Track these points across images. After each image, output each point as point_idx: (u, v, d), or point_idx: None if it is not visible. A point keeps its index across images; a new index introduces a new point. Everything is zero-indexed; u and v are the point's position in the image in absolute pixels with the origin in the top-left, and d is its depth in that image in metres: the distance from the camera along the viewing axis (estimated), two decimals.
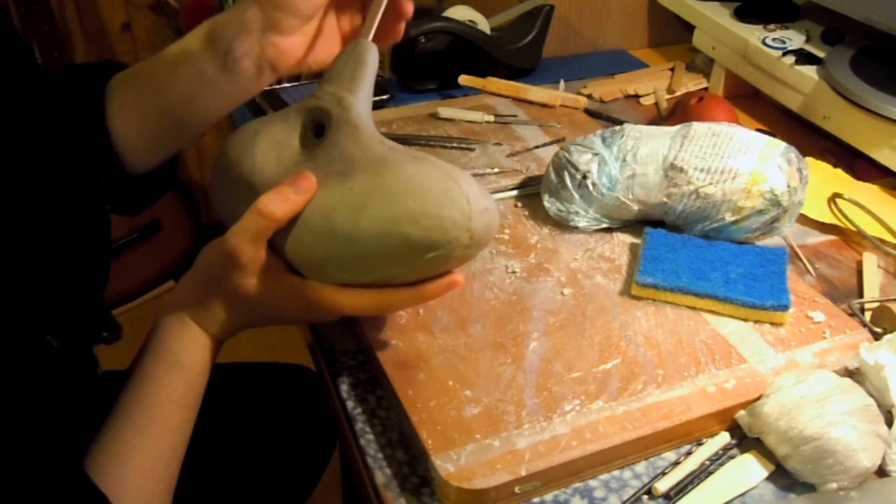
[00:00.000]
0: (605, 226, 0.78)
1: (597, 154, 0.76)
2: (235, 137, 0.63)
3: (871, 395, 0.59)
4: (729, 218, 0.73)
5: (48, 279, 0.53)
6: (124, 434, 0.55)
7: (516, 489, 0.54)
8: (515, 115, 1.00)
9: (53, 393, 0.53)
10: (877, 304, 0.70)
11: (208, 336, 0.60)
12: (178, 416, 0.57)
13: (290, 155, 0.60)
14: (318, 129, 0.60)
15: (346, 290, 0.57)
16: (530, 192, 0.84)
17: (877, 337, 0.66)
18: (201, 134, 0.74)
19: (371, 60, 0.61)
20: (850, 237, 0.82)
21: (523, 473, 0.53)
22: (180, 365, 0.58)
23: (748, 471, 0.57)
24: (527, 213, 0.81)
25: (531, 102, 1.03)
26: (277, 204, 0.54)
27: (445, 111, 0.98)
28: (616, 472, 0.57)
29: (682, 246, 0.73)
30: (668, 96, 1.10)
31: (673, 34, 1.27)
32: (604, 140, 0.77)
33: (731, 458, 0.58)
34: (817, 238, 0.82)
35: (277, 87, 1.05)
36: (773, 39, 0.99)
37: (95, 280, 0.60)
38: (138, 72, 0.68)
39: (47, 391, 0.52)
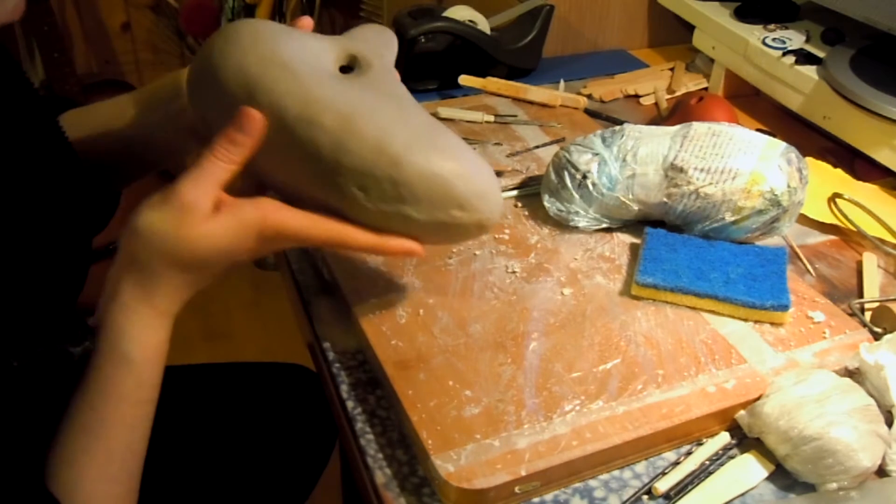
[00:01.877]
0: (605, 226, 0.78)
1: (597, 154, 0.76)
2: (259, 22, 0.59)
3: (871, 395, 0.59)
4: (729, 218, 0.73)
5: (23, 298, 0.53)
6: (72, 437, 0.52)
7: (516, 489, 0.54)
8: (515, 115, 1.00)
9: (15, 409, 0.52)
10: (877, 304, 0.70)
11: (159, 314, 0.55)
12: (128, 414, 0.54)
13: (322, 69, 0.57)
14: (343, 70, 0.60)
15: (307, 214, 0.54)
16: (530, 192, 0.84)
17: (877, 337, 0.66)
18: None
19: (395, 44, 0.64)
20: (850, 237, 0.82)
21: (523, 473, 0.53)
22: (127, 359, 0.53)
23: (748, 471, 0.57)
24: (527, 213, 0.81)
25: (531, 102, 1.03)
26: (233, 151, 0.53)
27: (445, 111, 0.98)
28: (616, 472, 0.57)
29: (682, 246, 0.73)
30: (668, 96, 1.10)
31: (673, 34, 1.27)
32: (604, 140, 0.77)
33: (731, 458, 0.58)
34: (817, 238, 0.82)
35: None
36: (773, 39, 0.99)
37: (70, 294, 0.59)
38: (88, 112, 0.69)
39: (8, 409, 0.51)
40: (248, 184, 0.59)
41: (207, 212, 0.53)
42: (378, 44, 0.62)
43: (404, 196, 0.55)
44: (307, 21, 0.62)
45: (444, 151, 0.56)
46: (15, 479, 0.49)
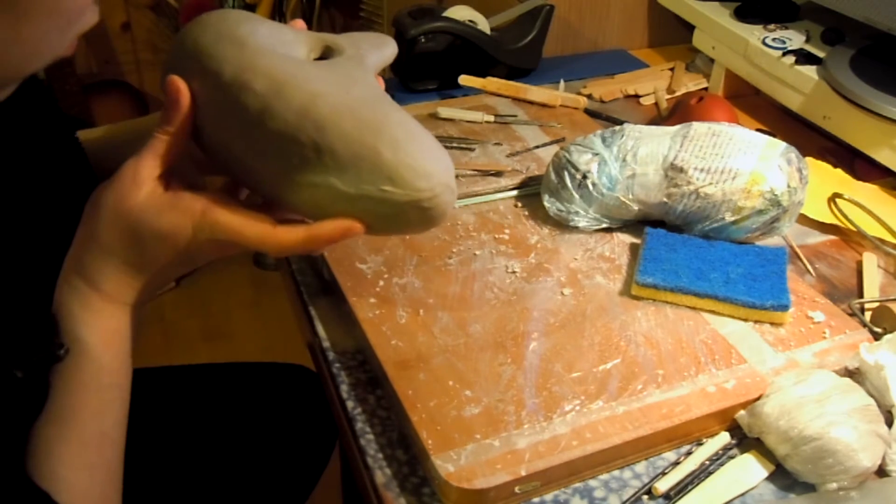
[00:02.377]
0: (605, 226, 0.78)
1: (597, 154, 0.76)
2: (227, 11, 0.58)
3: (871, 395, 0.59)
4: (729, 218, 0.73)
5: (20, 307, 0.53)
6: (46, 427, 0.52)
7: (516, 489, 0.54)
8: (515, 115, 1.00)
9: (12, 412, 0.52)
10: (877, 304, 0.70)
11: (110, 301, 0.54)
12: (94, 399, 0.53)
13: (289, 51, 0.56)
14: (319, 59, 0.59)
15: (245, 213, 0.53)
16: (530, 192, 0.84)
17: (877, 337, 0.66)
18: None
19: (390, 50, 0.62)
20: (850, 237, 0.82)
21: (523, 473, 0.53)
22: (81, 344, 0.52)
23: (748, 471, 0.57)
24: (527, 213, 0.81)
25: (531, 102, 1.03)
26: (166, 120, 0.53)
27: (445, 111, 0.98)
28: (616, 472, 0.57)
29: (682, 246, 0.73)
30: (668, 96, 1.10)
31: (673, 34, 1.27)
32: (604, 140, 0.77)
33: (731, 458, 0.58)
34: (817, 238, 0.82)
35: None
36: (773, 39, 0.99)
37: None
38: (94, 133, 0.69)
39: (8, 416, 0.51)
40: (200, 178, 0.58)
41: (149, 183, 0.52)
42: (362, 40, 0.60)
43: (328, 164, 0.51)
44: (300, 23, 0.61)
45: (377, 118, 0.52)
46: (4, 477, 0.49)
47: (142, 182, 0.52)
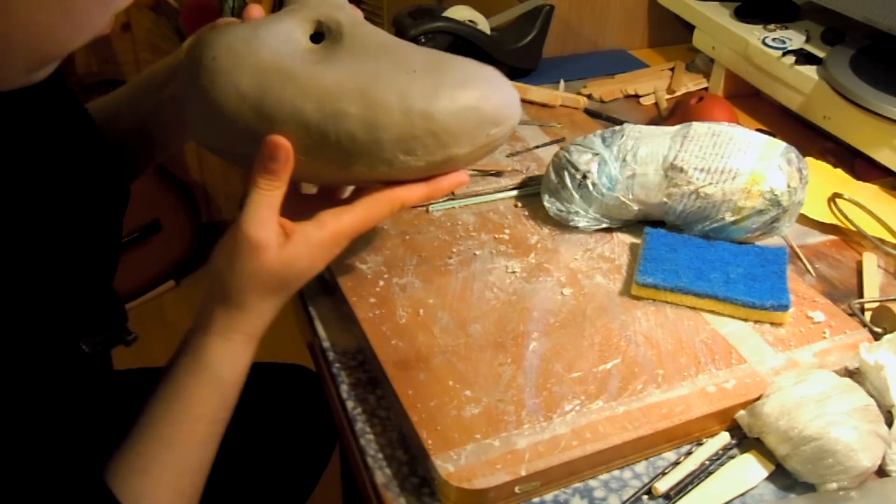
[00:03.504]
0: (605, 226, 0.78)
1: (597, 154, 0.76)
2: (223, 35, 0.56)
3: (871, 395, 0.59)
4: (729, 218, 0.73)
5: (71, 275, 0.53)
6: (149, 447, 0.54)
7: (516, 489, 0.54)
8: None
9: (78, 399, 0.53)
10: (877, 304, 0.70)
11: (250, 339, 0.58)
12: (205, 431, 0.56)
13: (303, 52, 0.57)
14: (314, 39, 0.59)
15: (362, 204, 0.57)
16: (530, 192, 0.84)
17: (877, 337, 0.66)
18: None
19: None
20: (850, 237, 0.82)
21: (523, 473, 0.53)
22: (217, 380, 0.56)
23: (748, 471, 0.57)
24: (527, 213, 0.81)
25: (531, 102, 1.03)
26: (274, 179, 0.54)
27: None
28: (616, 472, 0.57)
29: (682, 246, 0.73)
30: (668, 96, 1.10)
31: (673, 34, 1.26)
32: (604, 140, 0.77)
33: (731, 458, 0.58)
34: (817, 238, 0.82)
35: None
36: (773, 39, 0.99)
37: (107, 271, 0.60)
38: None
39: (73, 397, 0.52)
40: (292, 193, 0.60)
41: (279, 241, 0.55)
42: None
43: (447, 141, 0.56)
44: (257, 9, 0.61)
45: (459, 83, 0.57)
46: (79, 482, 0.50)
47: (269, 243, 0.54)
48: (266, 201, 0.54)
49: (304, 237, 0.56)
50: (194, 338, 0.57)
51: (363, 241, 0.74)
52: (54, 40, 0.47)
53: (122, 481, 0.52)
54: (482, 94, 0.57)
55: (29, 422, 0.47)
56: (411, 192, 0.58)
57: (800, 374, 0.59)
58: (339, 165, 0.56)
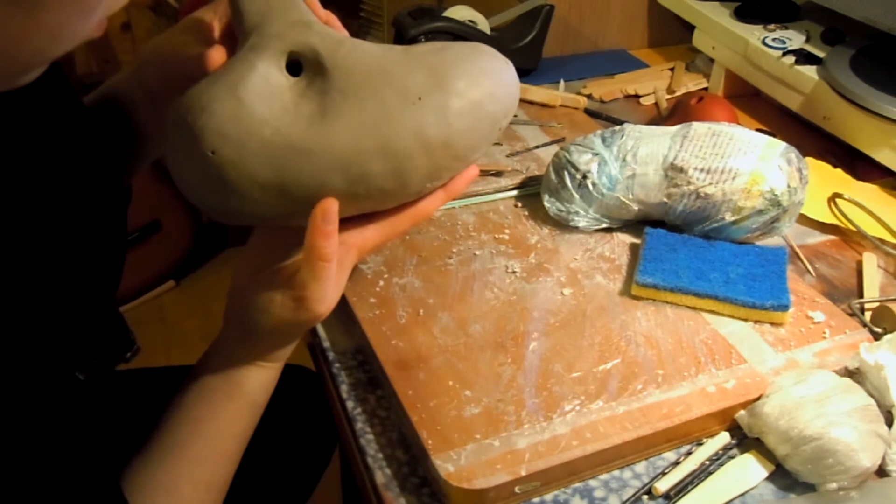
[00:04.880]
0: (605, 226, 0.78)
1: (597, 154, 0.76)
2: (207, 118, 0.51)
3: (871, 395, 0.59)
4: (729, 218, 0.73)
5: (74, 284, 0.53)
6: (177, 464, 0.54)
7: (516, 489, 0.54)
8: (515, 115, 0.99)
9: (82, 421, 0.52)
10: (877, 304, 0.70)
11: (281, 365, 0.59)
12: (234, 449, 0.57)
13: (293, 102, 0.52)
14: (290, 69, 0.54)
15: (384, 223, 0.55)
16: (530, 192, 0.84)
17: (877, 337, 0.66)
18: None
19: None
20: (850, 237, 0.82)
21: (523, 473, 0.53)
22: (252, 403, 0.57)
23: (748, 471, 0.57)
24: (527, 213, 0.81)
25: (531, 102, 1.03)
26: (331, 244, 0.51)
27: None
28: (616, 472, 0.57)
29: (682, 246, 0.73)
30: (668, 96, 1.10)
31: (673, 34, 1.26)
32: (604, 140, 0.77)
33: (731, 458, 0.58)
34: (817, 238, 0.82)
35: None
36: (773, 39, 0.99)
37: (112, 277, 0.60)
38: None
39: (76, 422, 0.51)
40: None
41: (322, 312, 0.54)
42: (282, 7, 0.55)
43: (467, 155, 0.56)
44: (219, 54, 0.56)
45: (465, 91, 0.54)
46: (98, 499, 0.49)
47: (324, 315, 0.53)
48: (329, 273, 0.52)
49: (342, 273, 0.54)
50: (227, 365, 0.56)
51: None
52: (30, 51, 0.46)
53: (144, 497, 0.52)
54: (487, 93, 0.56)
55: (35, 436, 0.46)
56: (432, 203, 0.57)
57: (800, 374, 0.59)
58: (371, 208, 0.55)
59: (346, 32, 0.57)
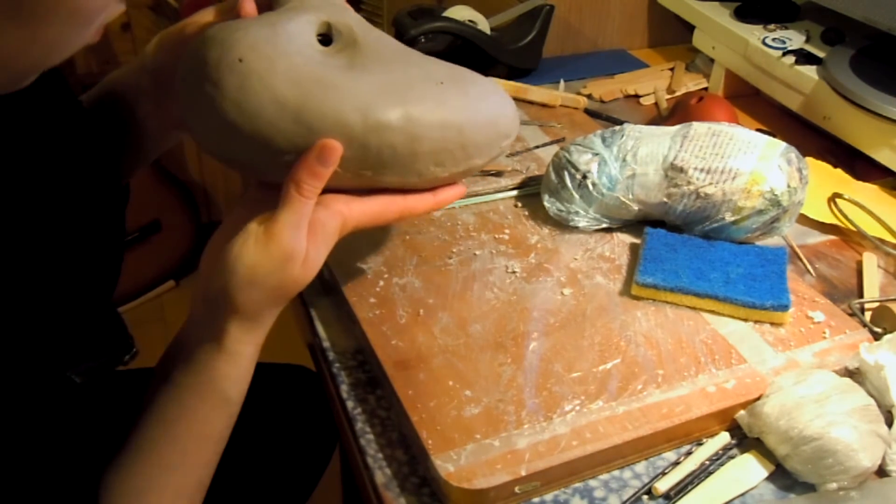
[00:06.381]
0: (605, 226, 0.78)
1: (597, 154, 0.76)
2: (240, 33, 0.52)
3: (871, 395, 0.59)
4: (729, 218, 0.73)
5: (72, 285, 0.53)
6: (148, 469, 0.52)
7: (516, 489, 0.54)
8: None
9: (74, 424, 0.52)
10: (877, 304, 0.70)
11: (257, 348, 0.55)
12: (209, 451, 0.54)
13: (324, 55, 0.54)
14: (322, 41, 0.56)
15: (375, 201, 0.56)
16: (530, 192, 0.84)
17: (877, 337, 0.66)
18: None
19: None
20: (850, 237, 0.82)
21: (523, 473, 0.53)
22: (225, 400, 0.54)
23: (748, 471, 0.57)
24: (527, 213, 0.81)
25: (531, 102, 1.03)
26: (317, 185, 0.50)
27: None
28: (616, 472, 0.57)
29: (682, 246, 0.73)
30: (668, 96, 1.10)
31: (673, 34, 1.26)
32: (604, 140, 0.77)
33: (731, 458, 0.58)
34: (817, 238, 0.82)
35: None
36: (773, 39, 0.99)
37: (110, 279, 0.59)
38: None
39: (66, 425, 0.51)
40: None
41: (305, 251, 0.52)
42: (328, 2, 0.58)
43: (472, 153, 0.58)
44: (250, 4, 0.57)
45: (482, 97, 0.59)
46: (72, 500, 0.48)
47: (302, 252, 0.51)
48: (304, 211, 0.51)
49: (323, 237, 0.53)
50: (197, 353, 0.53)
51: (364, 240, 0.74)
52: (28, 62, 0.45)
53: (117, 500, 0.51)
54: (499, 108, 0.60)
55: (20, 435, 0.45)
56: (419, 203, 0.58)
57: (800, 374, 0.59)
58: (370, 175, 0.54)
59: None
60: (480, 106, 0.58)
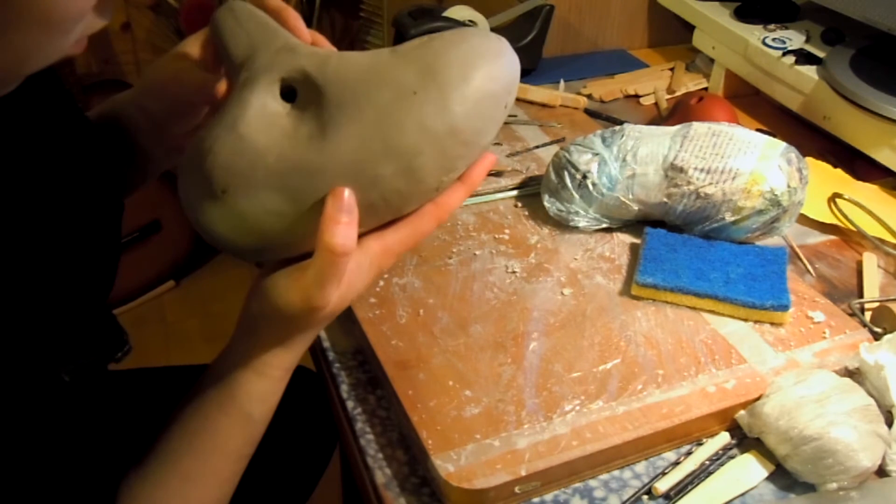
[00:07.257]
0: (605, 226, 0.78)
1: (597, 154, 0.76)
2: (213, 158, 0.52)
3: (871, 395, 0.59)
4: (729, 218, 0.73)
5: (66, 287, 0.53)
6: (169, 479, 0.52)
7: (516, 489, 0.54)
8: (515, 115, 1.00)
9: (68, 422, 0.52)
10: (877, 304, 0.70)
11: (289, 372, 0.55)
12: (229, 469, 0.54)
13: (294, 126, 0.52)
14: (285, 96, 0.54)
15: (403, 228, 0.53)
16: (530, 192, 0.84)
17: (877, 337, 0.66)
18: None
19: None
20: (850, 237, 0.82)
21: (523, 473, 0.53)
22: (247, 417, 0.54)
23: (748, 471, 0.57)
24: (527, 213, 0.81)
25: (531, 102, 1.03)
26: (346, 235, 0.48)
27: None
28: (616, 472, 0.57)
29: (682, 246, 0.73)
30: (668, 96, 1.10)
31: (673, 34, 1.27)
32: (604, 140, 0.77)
33: (731, 458, 0.58)
34: (817, 238, 0.82)
35: None
36: (773, 39, 0.99)
37: (105, 282, 0.59)
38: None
39: (60, 424, 0.51)
40: None
41: (333, 310, 0.52)
42: (265, 33, 0.56)
43: (477, 139, 0.54)
44: (221, 87, 0.58)
45: (462, 77, 0.53)
46: None
47: (327, 307, 0.51)
48: (340, 271, 0.49)
49: (359, 275, 0.52)
50: (226, 367, 0.54)
51: None
52: (2, 69, 0.46)
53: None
54: (486, 73, 0.53)
55: (27, 444, 0.45)
56: (452, 198, 0.54)
57: (800, 374, 0.59)
58: (391, 216, 0.53)
59: (333, 48, 0.56)
60: (465, 89, 0.52)
